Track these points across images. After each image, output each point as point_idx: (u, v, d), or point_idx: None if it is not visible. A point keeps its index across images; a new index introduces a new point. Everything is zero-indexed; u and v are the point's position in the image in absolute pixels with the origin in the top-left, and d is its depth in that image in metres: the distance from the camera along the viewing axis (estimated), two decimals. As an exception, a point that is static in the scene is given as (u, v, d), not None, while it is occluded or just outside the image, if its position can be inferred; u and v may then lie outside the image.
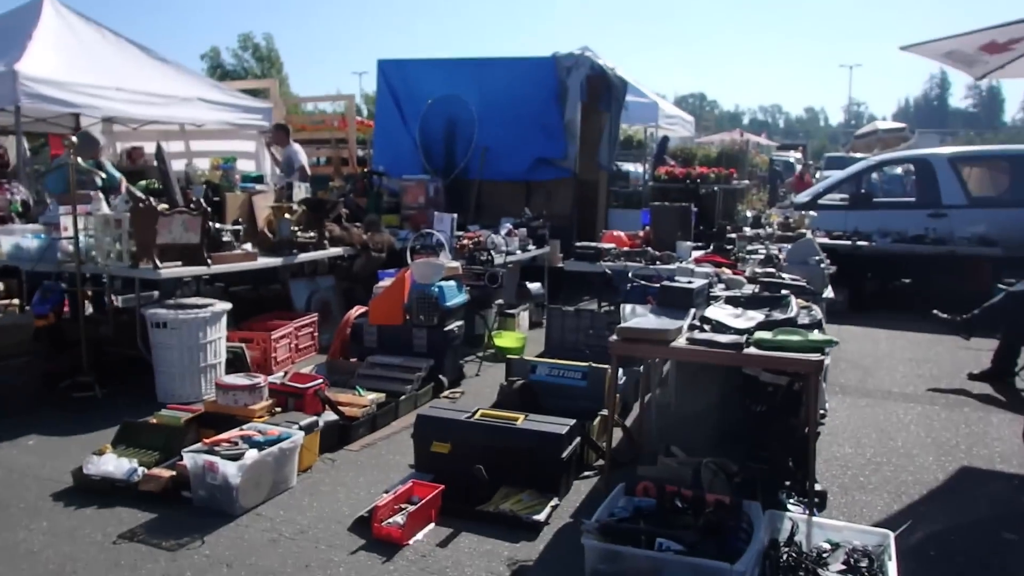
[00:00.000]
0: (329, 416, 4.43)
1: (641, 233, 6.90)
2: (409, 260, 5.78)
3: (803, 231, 8.68)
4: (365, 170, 10.05)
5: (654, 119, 12.17)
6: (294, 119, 14.60)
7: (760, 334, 3.47)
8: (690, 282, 4.09)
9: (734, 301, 4.12)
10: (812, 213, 9.23)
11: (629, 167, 13.63)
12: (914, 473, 4.16)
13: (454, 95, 10.10)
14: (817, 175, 18.04)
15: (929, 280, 9.14)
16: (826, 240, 8.72)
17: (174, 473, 3.66)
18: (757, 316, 3.79)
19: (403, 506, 3.29)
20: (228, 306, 5.62)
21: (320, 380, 4.49)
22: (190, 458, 3.52)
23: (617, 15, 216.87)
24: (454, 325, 5.65)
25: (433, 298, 5.46)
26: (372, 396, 4.80)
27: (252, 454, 3.53)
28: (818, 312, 3.88)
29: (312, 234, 7.25)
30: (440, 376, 5.49)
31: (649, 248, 6.17)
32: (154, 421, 4.28)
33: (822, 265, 5.06)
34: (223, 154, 10.17)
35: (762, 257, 6.46)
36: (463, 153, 10.07)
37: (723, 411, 4.52)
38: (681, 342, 3.46)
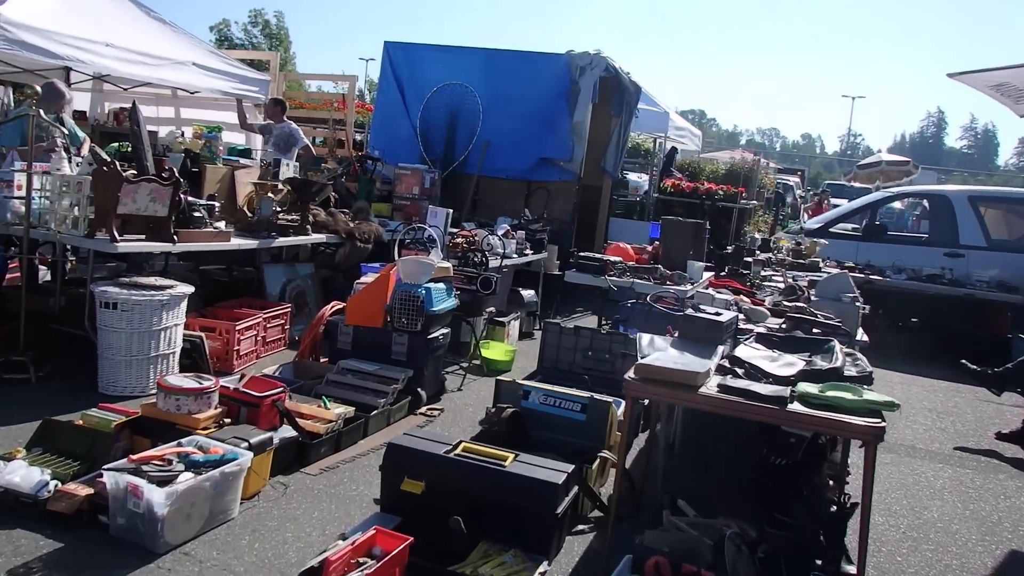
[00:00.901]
0: (287, 431, 3.84)
1: (649, 248, 6.34)
2: (396, 256, 5.19)
3: (816, 259, 8.19)
4: (359, 154, 9.43)
5: (664, 129, 11.63)
6: (293, 96, 13.99)
7: (804, 387, 2.91)
8: (718, 313, 3.53)
9: (766, 340, 3.56)
10: (823, 241, 8.74)
11: (632, 176, 13.10)
12: (958, 555, 3.62)
13: (460, 84, 9.53)
14: (823, 203, 17.58)
15: (943, 322, 8.68)
16: (835, 271, 8.21)
17: (92, 492, 3.05)
18: (795, 362, 3.24)
19: (362, 560, 2.71)
20: (189, 289, 5.02)
21: (280, 389, 3.90)
22: (111, 477, 2.91)
23: (623, 21, 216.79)
24: (439, 333, 5.07)
25: (419, 301, 4.88)
26: (340, 410, 4.21)
27: (186, 479, 2.94)
28: (865, 362, 3.33)
29: (295, 217, 6.66)
30: (418, 390, 4.91)
31: (660, 266, 5.61)
32: (79, 422, 3.67)
33: (857, 304, 4.52)
34: (212, 124, 9.52)
35: (782, 286, 5.93)
36: (464, 145, 9.50)
37: (737, 459, 3.98)
38: (711, 388, 2.90)
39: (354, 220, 7.32)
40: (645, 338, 3.50)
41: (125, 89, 10.39)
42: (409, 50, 10.08)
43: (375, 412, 4.43)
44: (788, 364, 3.22)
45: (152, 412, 3.64)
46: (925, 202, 11.27)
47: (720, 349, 3.30)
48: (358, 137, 12.49)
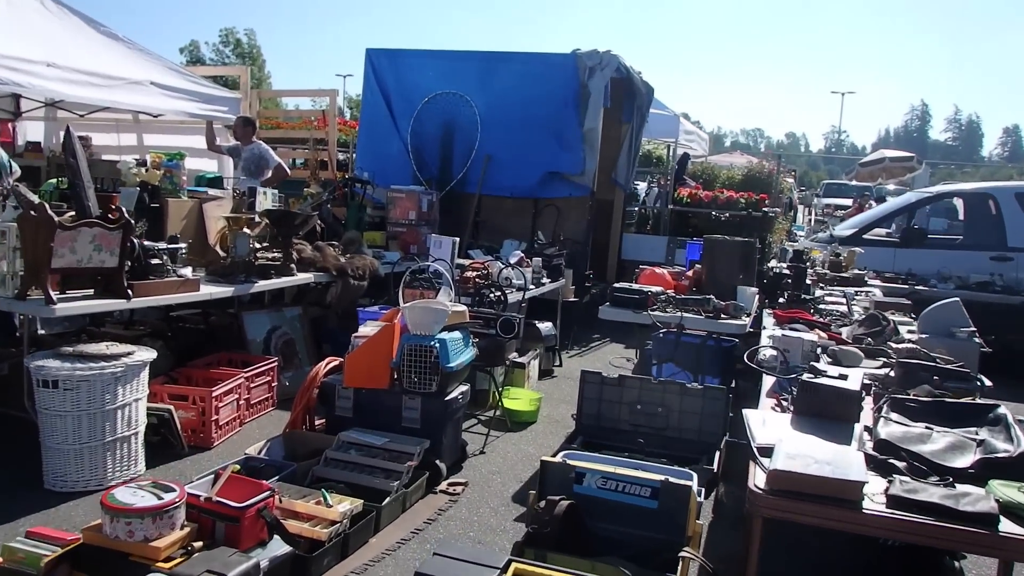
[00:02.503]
0: (279, 545, 2.95)
1: (689, 272, 5.48)
2: (401, 301, 4.32)
3: (860, 272, 7.37)
4: (346, 176, 8.54)
5: (674, 134, 10.79)
6: (269, 114, 13.11)
7: (1002, 490, 2.06)
8: (843, 376, 2.67)
9: (904, 408, 2.70)
10: (859, 250, 7.91)
11: (640, 185, 12.25)
12: None
13: (455, 93, 8.66)
14: (864, 208, 16.68)
15: (998, 334, 7.84)
16: (878, 283, 7.36)
17: None
18: (962, 442, 2.38)
19: None
20: (150, 355, 4.12)
21: (267, 492, 2.99)
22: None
23: (598, 22, 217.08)
24: (458, 392, 4.19)
25: (432, 355, 3.99)
26: (344, 506, 3.31)
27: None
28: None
29: (277, 255, 5.77)
30: (436, 462, 4.03)
31: (712, 297, 4.74)
32: (-1, 560, 2.76)
33: (976, 340, 3.68)
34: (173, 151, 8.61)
35: (843, 310, 5.09)
36: (462, 161, 8.62)
37: (846, 543, 3.14)
38: (877, 500, 2.04)
39: (345, 254, 6.43)
40: (754, 415, 2.64)
41: (81, 116, 9.42)
42: (395, 57, 9.19)
43: (388, 500, 3.53)
44: (954, 448, 2.36)
45: (98, 539, 2.73)
46: (959, 201, 10.46)
47: (857, 429, 2.44)
48: (341, 157, 11.61)
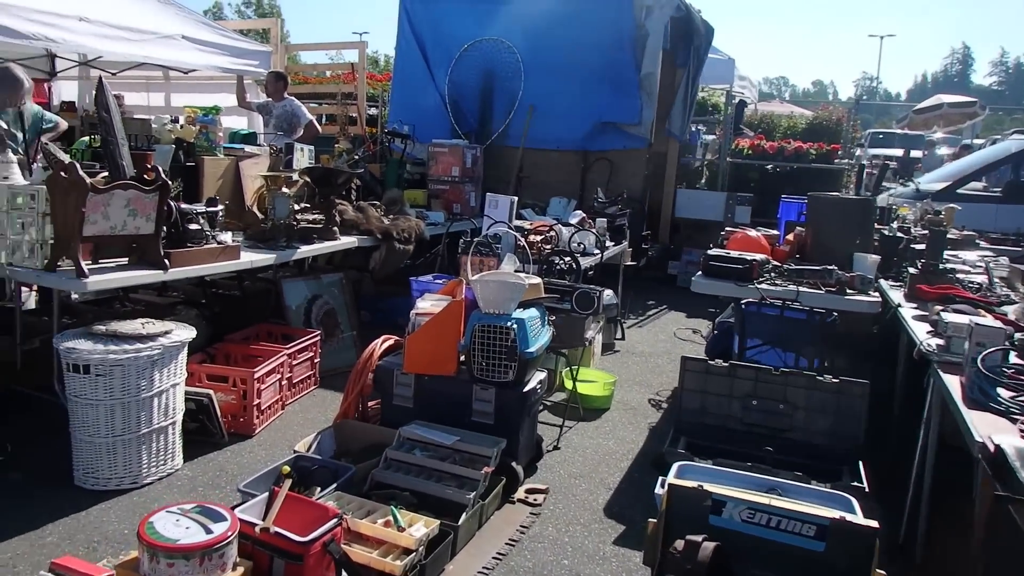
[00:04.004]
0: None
1: (789, 236, 4.87)
2: (467, 271, 3.78)
3: (969, 234, 6.55)
4: (384, 131, 7.95)
5: (729, 80, 10.05)
6: (296, 69, 12.50)
7: None
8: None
9: None
10: (956, 206, 7.19)
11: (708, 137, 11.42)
12: None
13: (495, 39, 8.01)
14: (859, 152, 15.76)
15: None
16: (986, 246, 6.53)
17: None
18: None
19: None
20: (189, 334, 3.66)
21: (334, 520, 2.50)
22: None
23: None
24: (536, 382, 3.68)
25: (509, 338, 3.47)
26: (419, 529, 2.81)
27: None
28: None
29: (318, 217, 5.25)
30: (513, 464, 3.53)
31: (835, 268, 4.10)
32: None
33: None
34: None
35: (984, 282, 4.36)
36: (504, 113, 8.02)
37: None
38: None
39: (388, 215, 5.92)
40: (1012, 447, 2.07)
41: (114, 74, 9.02)
42: (430, 2, 8.54)
43: (465, 517, 3.05)
44: None
45: (134, 576, 2.28)
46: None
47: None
48: (372, 111, 11.01)
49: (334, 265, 6.22)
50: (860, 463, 3.41)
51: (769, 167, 9.34)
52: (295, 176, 5.32)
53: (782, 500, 2.65)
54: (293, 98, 7.65)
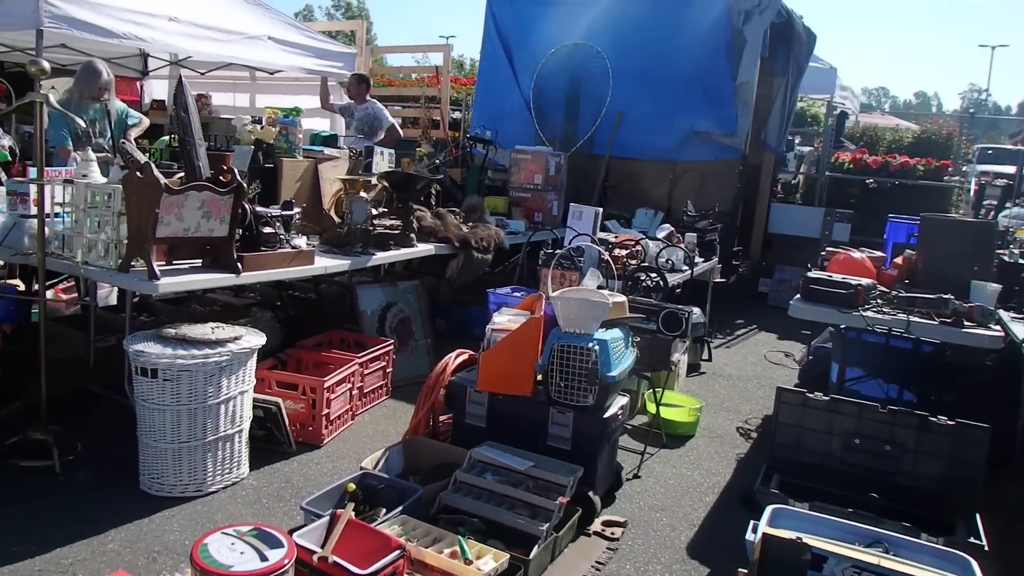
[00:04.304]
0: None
1: (898, 260, 4.47)
2: (548, 289, 3.56)
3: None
4: (465, 135, 7.82)
5: (830, 90, 9.53)
6: (380, 71, 12.54)
7: None
8: None
9: None
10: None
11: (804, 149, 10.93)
12: None
13: (583, 43, 7.78)
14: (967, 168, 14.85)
15: None
16: None
17: None
18: None
19: None
20: (259, 341, 3.55)
21: (398, 551, 2.31)
22: None
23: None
24: (617, 407, 3.42)
25: (591, 361, 3.23)
26: (488, 563, 2.60)
27: None
28: None
29: (395, 223, 5.13)
30: (589, 494, 3.29)
31: (951, 297, 3.70)
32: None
33: None
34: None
35: None
36: (590, 120, 7.77)
37: None
38: None
39: (467, 222, 5.76)
40: None
41: (202, 73, 9.21)
42: (517, 5, 8.37)
43: (536, 551, 2.82)
44: None
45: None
46: None
47: None
48: (455, 115, 10.93)
49: (411, 271, 6.11)
50: (977, 516, 3.05)
51: (870, 182, 8.80)
52: (374, 180, 5.22)
53: (891, 560, 2.34)
54: (375, 101, 7.61)
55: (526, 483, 3.14)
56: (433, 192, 5.87)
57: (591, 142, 7.79)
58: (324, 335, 4.86)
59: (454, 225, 5.52)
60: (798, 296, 3.98)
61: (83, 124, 4.32)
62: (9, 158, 5.43)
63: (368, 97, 7.54)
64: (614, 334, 3.40)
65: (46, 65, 3.45)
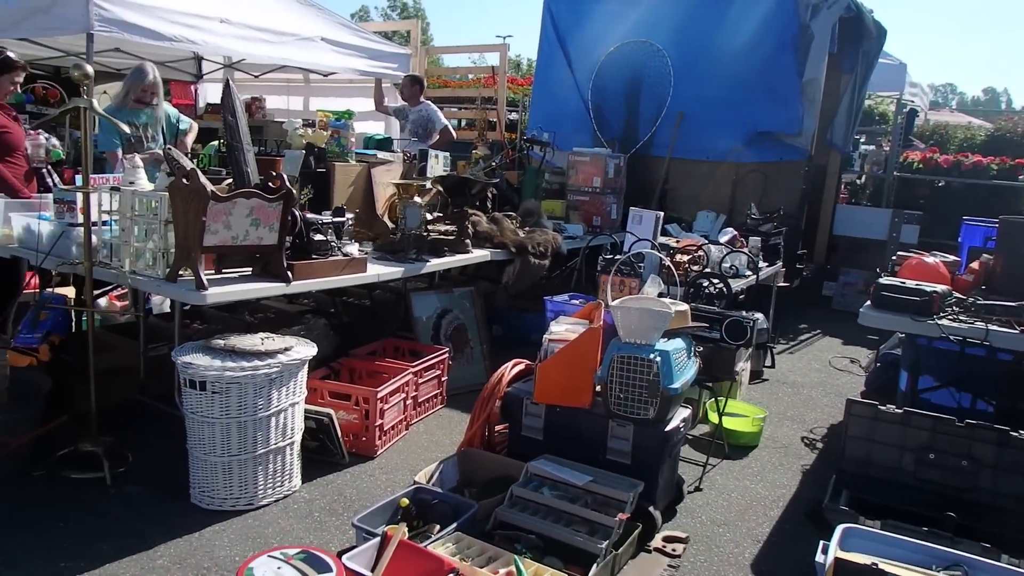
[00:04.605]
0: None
1: (975, 265, 4.19)
2: (608, 297, 3.41)
3: None
4: (522, 137, 7.70)
5: (899, 87, 9.11)
6: (435, 72, 12.51)
7: None
8: None
9: None
10: None
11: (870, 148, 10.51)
12: None
13: (644, 41, 7.58)
14: None
15: None
16: None
17: None
18: None
19: None
20: (310, 351, 3.47)
21: (452, 575, 2.20)
22: None
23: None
24: (679, 420, 3.25)
25: (652, 372, 3.07)
26: (546, 581, 2.48)
27: None
28: None
29: (449, 227, 5.03)
30: (650, 509, 3.13)
31: None
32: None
33: None
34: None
35: None
36: (650, 120, 7.56)
37: None
38: None
39: (523, 227, 5.63)
40: None
41: (256, 76, 9.27)
42: (575, 3, 8.21)
43: (595, 570, 2.67)
44: None
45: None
46: None
47: None
48: (512, 117, 10.81)
49: (466, 276, 6.01)
50: None
51: (940, 183, 8.39)
52: (428, 184, 5.13)
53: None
54: (429, 102, 7.53)
55: (584, 498, 3.00)
56: (489, 196, 5.75)
57: (651, 143, 7.58)
58: (378, 343, 4.79)
59: (510, 230, 5.39)
60: (868, 303, 3.74)
61: (127, 129, 4.29)
62: (62, 156, 5.50)
63: (422, 99, 7.48)
64: (676, 344, 3.23)
65: (89, 69, 3.42)
